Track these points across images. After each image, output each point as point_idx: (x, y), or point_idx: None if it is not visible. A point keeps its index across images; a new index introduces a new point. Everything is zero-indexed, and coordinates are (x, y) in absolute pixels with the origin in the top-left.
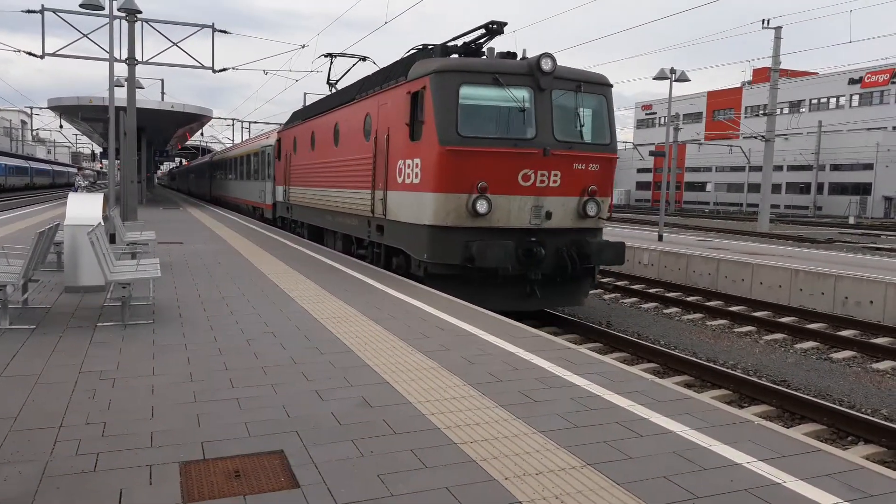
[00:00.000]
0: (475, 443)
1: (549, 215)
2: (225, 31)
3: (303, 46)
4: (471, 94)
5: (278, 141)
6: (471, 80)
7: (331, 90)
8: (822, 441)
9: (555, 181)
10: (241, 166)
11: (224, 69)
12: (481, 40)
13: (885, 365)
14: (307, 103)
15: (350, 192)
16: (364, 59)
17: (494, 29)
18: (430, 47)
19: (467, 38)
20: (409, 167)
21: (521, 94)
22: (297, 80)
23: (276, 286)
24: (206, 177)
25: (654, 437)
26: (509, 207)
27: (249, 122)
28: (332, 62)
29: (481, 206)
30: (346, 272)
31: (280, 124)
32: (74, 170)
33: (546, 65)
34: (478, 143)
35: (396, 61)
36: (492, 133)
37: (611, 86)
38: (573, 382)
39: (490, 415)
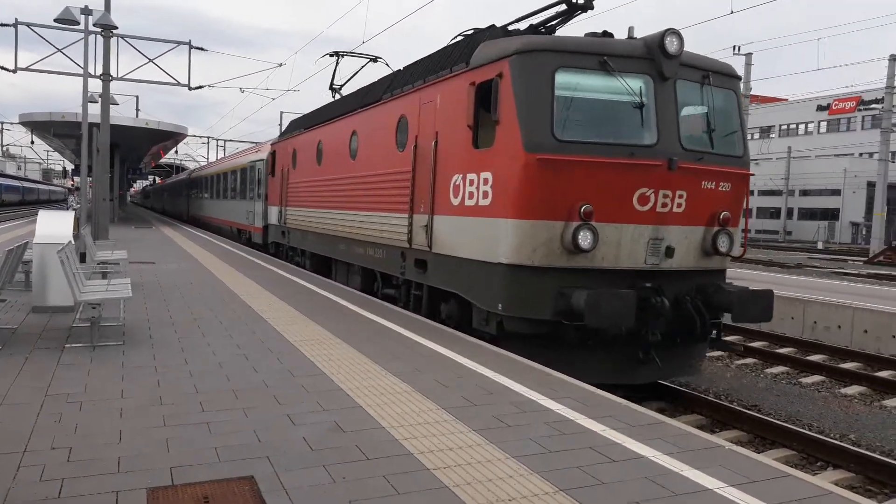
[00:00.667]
0: (448, 468)
1: (669, 252)
2: (201, 49)
3: (280, 65)
4: (570, 82)
5: (272, 154)
6: (570, 63)
7: (334, 96)
8: (792, 466)
9: (679, 205)
10: (224, 184)
11: (200, 86)
12: (555, 21)
13: (852, 390)
14: (283, 122)
15: (374, 217)
16: (375, 59)
17: (580, 4)
18: (485, 29)
19: (536, 19)
20: (471, 184)
21: (636, 84)
22: (273, 99)
23: (249, 307)
24: (184, 195)
25: (626, 462)
26: (619, 240)
27: (225, 141)
28: (337, 63)
29: (585, 240)
30: (326, 296)
31: (256, 143)
32: (47, 187)
33: (672, 45)
34: (581, 150)
35: (445, 47)
36: (599, 137)
37: (739, 78)
38: (547, 407)
39: (463, 439)
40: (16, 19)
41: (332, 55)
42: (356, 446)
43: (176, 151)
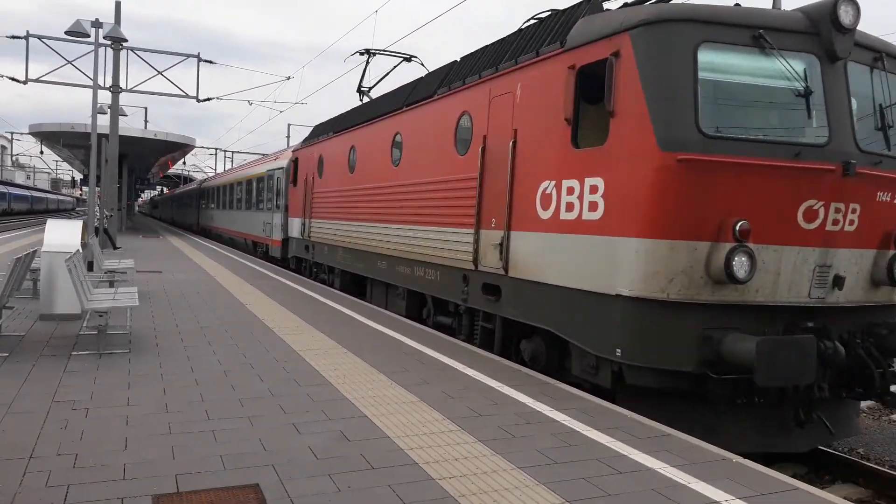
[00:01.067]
0: (453, 478)
1: (838, 282)
2: (210, 62)
3: (288, 78)
4: (717, 62)
5: (294, 162)
6: (717, 36)
7: (361, 99)
8: (799, 479)
9: (851, 222)
10: (238, 194)
11: (208, 99)
12: None
13: (861, 404)
14: (291, 134)
15: (426, 232)
16: (409, 58)
17: None
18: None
19: None
20: (569, 193)
21: (800, 66)
22: (281, 112)
23: (255, 317)
24: (194, 205)
25: (633, 473)
26: (780, 268)
27: (233, 152)
28: (368, 62)
29: (741, 267)
30: (332, 306)
31: (263, 154)
32: (55, 197)
33: (846, 16)
34: (734, 148)
35: (522, 29)
36: (755, 132)
37: None
38: (553, 418)
39: (469, 450)
40: (27, 32)
41: (362, 53)
42: (361, 455)
43: (184, 162)
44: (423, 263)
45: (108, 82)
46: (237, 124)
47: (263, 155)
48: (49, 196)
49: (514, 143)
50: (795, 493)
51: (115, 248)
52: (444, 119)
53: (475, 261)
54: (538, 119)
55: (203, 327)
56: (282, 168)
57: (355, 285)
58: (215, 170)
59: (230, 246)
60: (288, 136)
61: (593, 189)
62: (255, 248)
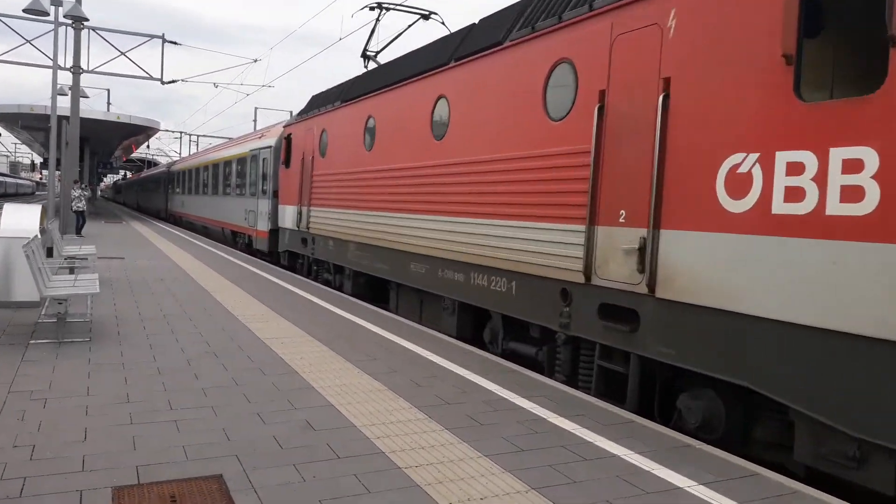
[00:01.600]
0: (420, 467)
1: None
2: (175, 42)
3: (255, 61)
4: None
5: (286, 139)
6: None
7: (366, 65)
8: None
9: None
10: (215, 178)
11: (173, 81)
12: None
13: None
14: (258, 118)
15: (496, 226)
16: (427, 16)
17: None
18: None
19: None
20: (793, 172)
21: None
22: (248, 95)
23: (219, 304)
24: (162, 190)
25: (598, 460)
26: None
27: (198, 136)
28: (379, 18)
29: None
30: (298, 293)
31: (229, 138)
32: (13, 180)
33: None
34: None
35: None
36: None
37: None
38: (520, 405)
39: (436, 438)
40: None
41: (372, 9)
42: (327, 445)
43: (148, 146)
44: (487, 269)
45: (69, 63)
46: (203, 107)
47: (228, 138)
48: (7, 180)
49: (666, 97)
50: (755, 478)
51: (78, 234)
52: (523, 72)
53: (587, 270)
54: (716, 60)
55: (166, 315)
56: (269, 147)
57: (372, 290)
58: (180, 154)
59: (204, 236)
60: (255, 120)
61: (852, 166)
62: (235, 239)
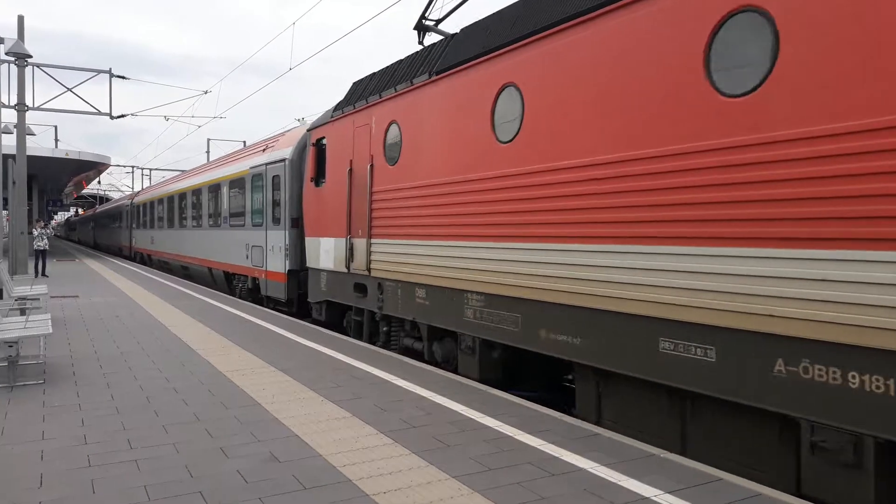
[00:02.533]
0: (389, 493)
1: None
2: (123, 77)
3: (205, 92)
4: None
5: (315, 146)
6: None
7: (422, 39)
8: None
9: None
10: (195, 207)
11: (122, 115)
12: None
13: None
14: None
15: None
16: None
17: None
18: None
19: None
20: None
21: None
22: (199, 127)
23: (178, 339)
24: (124, 225)
25: (565, 475)
26: None
27: (150, 170)
28: None
29: None
30: (248, 320)
31: (181, 171)
32: None
33: None
34: None
35: None
36: None
37: None
38: (486, 424)
39: (404, 462)
40: None
41: None
42: (293, 476)
43: (99, 182)
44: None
45: (14, 100)
46: (154, 140)
47: (238, 150)
48: None
49: None
50: (720, 483)
51: (42, 275)
52: None
53: None
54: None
55: (123, 353)
56: (282, 162)
57: (514, 371)
58: (132, 188)
59: (184, 278)
60: (208, 152)
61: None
62: (230, 283)
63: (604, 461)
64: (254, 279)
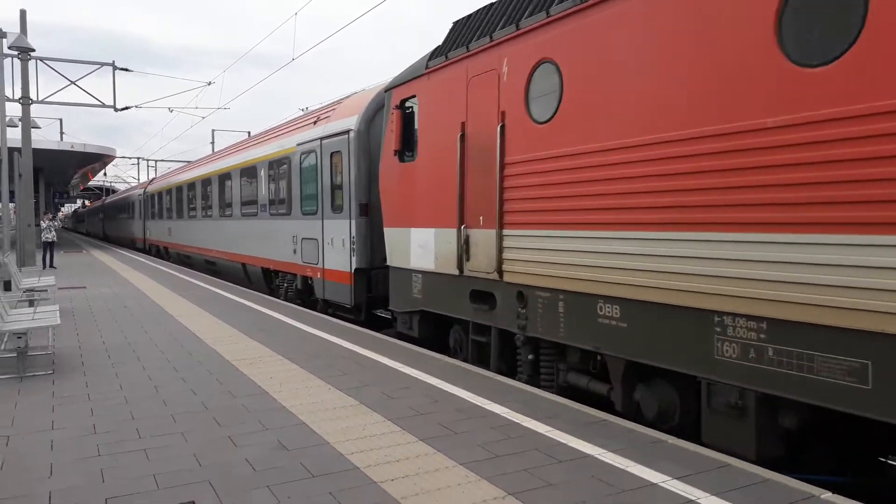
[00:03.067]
0: (396, 480)
1: None
2: (126, 69)
3: (209, 83)
4: None
5: (399, 111)
6: None
7: None
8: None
9: None
10: (224, 193)
11: (126, 107)
12: None
13: None
14: (215, 140)
15: None
16: None
17: None
18: None
19: None
20: None
21: None
22: (203, 118)
23: (186, 329)
24: (137, 215)
25: (572, 461)
26: None
27: (156, 161)
28: None
29: None
30: (255, 308)
31: (186, 161)
32: None
33: None
34: None
35: None
36: None
37: None
38: (493, 411)
39: (411, 450)
40: None
41: None
42: (301, 464)
43: (104, 174)
44: None
45: (18, 94)
46: (159, 132)
47: (279, 125)
48: None
49: None
50: (727, 469)
51: (50, 266)
52: None
53: None
54: None
55: (131, 343)
56: (345, 135)
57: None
58: (137, 179)
59: (209, 274)
60: (212, 142)
61: None
62: (270, 281)
63: (611, 447)
64: (305, 278)
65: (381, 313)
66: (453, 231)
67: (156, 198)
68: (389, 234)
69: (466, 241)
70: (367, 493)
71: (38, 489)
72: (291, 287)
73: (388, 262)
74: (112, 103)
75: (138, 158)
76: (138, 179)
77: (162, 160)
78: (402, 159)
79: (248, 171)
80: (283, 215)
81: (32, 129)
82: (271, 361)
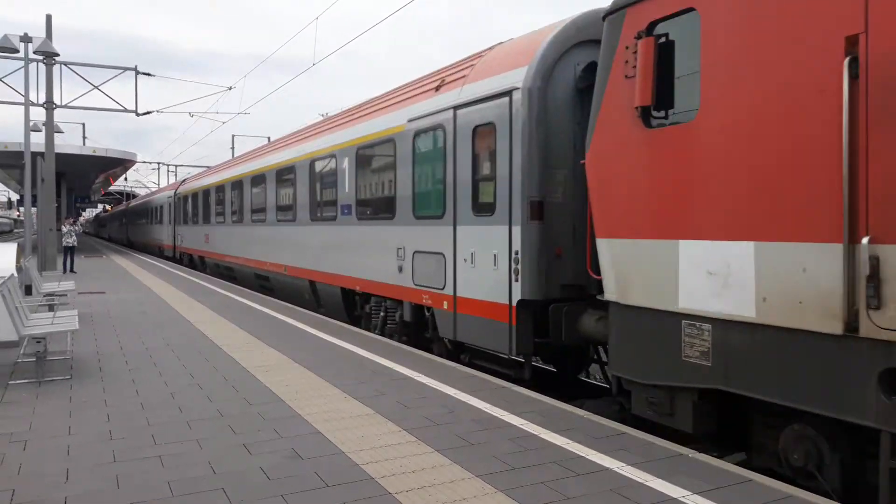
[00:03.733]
0: (412, 491)
1: None
2: (148, 74)
3: (230, 88)
4: None
5: (655, 38)
6: None
7: None
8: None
9: None
10: (290, 191)
11: (148, 112)
12: None
13: None
14: (235, 146)
15: None
16: None
17: None
18: None
19: None
20: None
21: None
22: (223, 123)
23: (203, 335)
24: (164, 220)
25: (591, 475)
26: None
27: (176, 166)
28: None
29: None
30: (270, 314)
31: (206, 167)
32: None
33: None
34: None
35: None
36: None
37: None
38: (510, 423)
39: (426, 461)
40: None
41: None
42: (315, 473)
43: (125, 178)
44: None
45: (42, 98)
46: (179, 137)
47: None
48: None
49: None
50: (749, 485)
51: (70, 271)
52: None
53: None
54: None
55: (148, 348)
56: (506, 96)
57: None
58: (158, 184)
59: (265, 293)
60: (232, 147)
61: None
62: (353, 306)
63: (630, 461)
64: (417, 308)
65: (583, 377)
66: (825, 248)
67: (189, 200)
68: (619, 249)
69: (876, 269)
70: (381, 503)
71: (54, 495)
72: (392, 317)
73: (615, 296)
74: (134, 108)
75: (159, 163)
76: (158, 184)
77: (182, 165)
78: (649, 123)
79: (322, 163)
80: (380, 219)
81: (55, 134)
82: (286, 369)
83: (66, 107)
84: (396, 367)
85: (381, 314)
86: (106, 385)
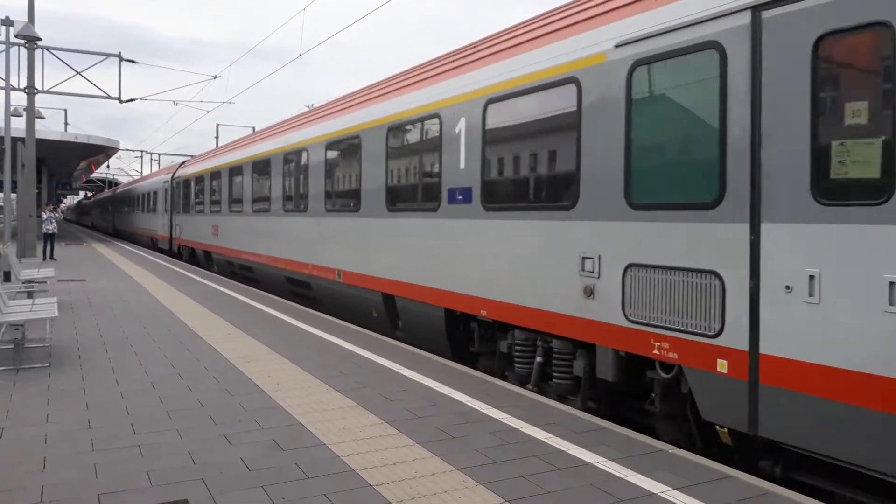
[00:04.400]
0: (392, 483)
1: None
2: (132, 61)
3: (215, 77)
4: None
5: None
6: None
7: None
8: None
9: None
10: (346, 173)
11: (131, 99)
12: None
13: None
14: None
15: None
16: None
17: None
18: None
19: None
20: None
21: None
22: (208, 112)
23: (184, 325)
24: (158, 208)
25: (571, 469)
26: None
27: (159, 154)
28: None
29: None
30: (253, 306)
31: (189, 156)
32: None
33: None
34: None
35: None
36: None
37: None
38: (492, 416)
39: (408, 453)
40: None
41: None
42: (296, 464)
43: (108, 166)
44: None
45: (23, 83)
46: (163, 125)
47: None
48: None
49: None
50: (729, 481)
51: (50, 258)
52: None
53: None
54: None
55: (129, 337)
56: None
57: None
58: (140, 172)
59: (302, 302)
60: (216, 137)
61: None
62: (461, 335)
63: (611, 456)
64: (630, 357)
65: None
66: None
67: (192, 185)
68: None
69: None
70: (362, 496)
71: (31, 483)
72: (563, 367)
73: None
74: (117, 95)
75: (142, 151)
76: (141, 172)
77: (165, 154)
78: None
79: (399, 132)
80: (538, 209)
81: (37, 119)
82: (268, 360)
83: (48, 92)
84: (378, 359)
85: (538, 359)
86: (85, 373)
